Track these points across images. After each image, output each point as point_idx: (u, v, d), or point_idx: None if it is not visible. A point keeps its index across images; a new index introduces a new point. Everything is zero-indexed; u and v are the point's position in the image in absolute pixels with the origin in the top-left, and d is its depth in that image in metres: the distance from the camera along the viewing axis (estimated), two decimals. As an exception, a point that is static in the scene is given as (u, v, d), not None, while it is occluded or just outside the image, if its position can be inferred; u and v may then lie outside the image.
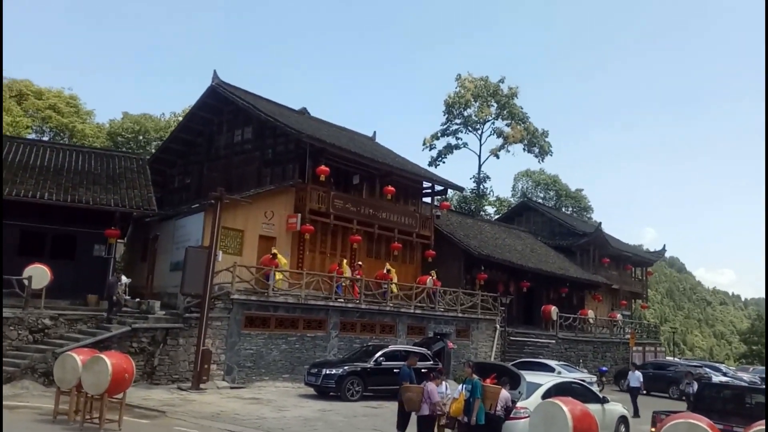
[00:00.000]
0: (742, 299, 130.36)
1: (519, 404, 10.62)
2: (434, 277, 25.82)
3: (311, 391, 17.85)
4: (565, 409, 7.78)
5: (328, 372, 17.09)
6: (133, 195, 21.17)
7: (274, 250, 20.99)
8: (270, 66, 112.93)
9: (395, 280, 24.14)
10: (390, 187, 25.43)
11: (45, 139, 39.21)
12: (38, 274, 17.26)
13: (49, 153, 22.34)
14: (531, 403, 10.62)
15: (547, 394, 10.98)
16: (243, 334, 18.73)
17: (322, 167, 22.64)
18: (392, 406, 16.10)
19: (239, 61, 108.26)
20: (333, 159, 23.90)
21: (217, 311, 18.31)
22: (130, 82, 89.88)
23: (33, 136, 39.79)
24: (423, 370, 17.40)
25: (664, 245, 51.04)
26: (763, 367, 39.62)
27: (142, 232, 24.74)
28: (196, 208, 21.04)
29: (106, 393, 10.70)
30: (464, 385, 10.27)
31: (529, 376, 11.40)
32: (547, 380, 11.62)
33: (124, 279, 22.52)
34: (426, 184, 29.39)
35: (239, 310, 18.72)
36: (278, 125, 23.46)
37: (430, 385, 10.48)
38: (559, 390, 11.29)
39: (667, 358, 40.96)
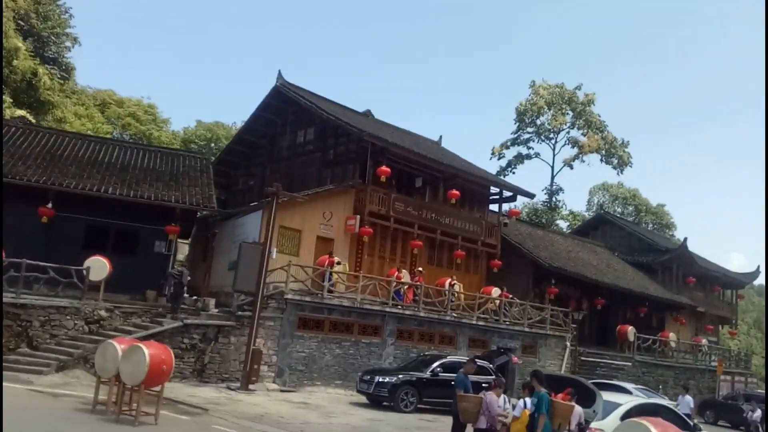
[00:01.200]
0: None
1: (593, 425, 9.23)
2: (504, 291, 24.44)
3: (363, 399, 16.94)
4: (653, 430, 6.43)
5: (381, 380, 16.12)
6: (194, 192, 21.08)
7: (336, 259, 20.20)
8: (336, 71, 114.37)
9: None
10: (455, 191, 24.28)
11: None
12: (97, 266, 17.31)
13: (117, 150, 22.74)
14: (608, 425, 9.21)
15: (627, 417, 9.53)
16: (296, 335, 18.08)
17: (383, 168, 21.85)
18: (448, 421, 14.80)
19: (304, 66, 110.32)
20: (395, 160, 23.09)
21: (270, 311, 17.76)
22: (204, 90, 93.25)
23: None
24: (484, 385, 16.13)
25: (759, 266, 46.36)
26: None
27: (206, 232, 24.75)
28: (254, 206, 20.75)
29: (143, 384, 10.18)
30: (528, 400, 9.01)
31: (607, 395, 9.95)
32: (627, 400, 10.13)
33: (185, 277, 22.57)
34: (494, 190, 28.05)
35: (293, 310, 18.10)
36: (340, 124, 22.94)
37: (490, 395, 9.26)
38: (641, 412, 9.77)
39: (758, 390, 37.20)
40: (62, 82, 37.07)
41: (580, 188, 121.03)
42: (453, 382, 10.76)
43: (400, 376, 16.31)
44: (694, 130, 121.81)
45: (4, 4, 27.80)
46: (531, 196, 29.10)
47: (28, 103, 32.14)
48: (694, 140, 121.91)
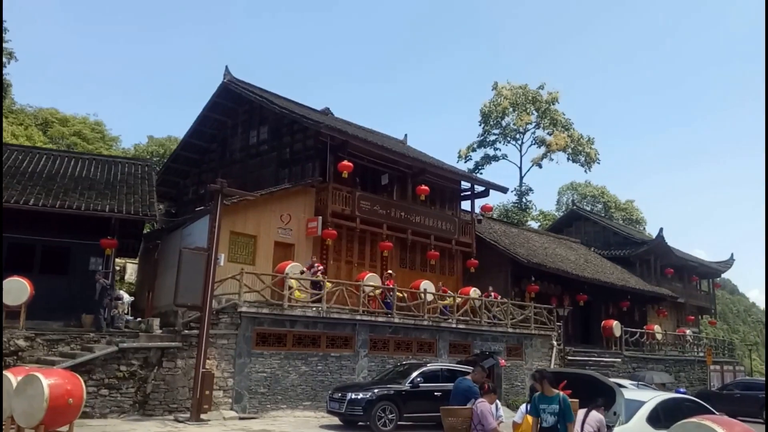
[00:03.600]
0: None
1: (616, 431, 7.32)
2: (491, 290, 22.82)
3: (336, 420, 14.78)
4: (723, 433, 4.54)
5: (354, 397, 13.98)
6: (132, 201, 18.71)
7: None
8: (289, 74, 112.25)
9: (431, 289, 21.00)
10: (424, 187, 22.46)
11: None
12: (14, 289, 14.79)
13: (44, 160, 20.20)
14: (633, 429, 7.35)
15: (654, 415, 7.69)
16: (254, 353, 15.79)
17: (345, 162, 19.88)
18: (434, 438, 12.91)
19: (258, 68, 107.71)
20: (357, 155, 21.16)
21: (223, 327, 15.48)
22: (153, 105, 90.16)
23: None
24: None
25: (732, 254, 46.09)
26: None
27: (154, 248, 22.31)
28: (201, 211, 18.52)
29: (43, 425, 7.89)
30: (532, 405, 7.06)
31: (627, 392, 8.07)
32: (650, 396, 8.26)
33: (126, 297, 20.16)
34: (465, 186, 26.32)
35: (249, 325, 15.84)
36: (295, 118, 20.94)
37: (482, 405, 7.27)
38: (668, 409, 7.99)
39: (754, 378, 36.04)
40: (-4, 100, 34.24)
41: (548, 188, 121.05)
42: (455, 392, 8.52)
43: (376, 390, 14.20)
44: (655, 127, 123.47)
45: None
46: (504, 190, 27.44)
47: (-45, 124, 29.26)
48: (656, 135, 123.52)
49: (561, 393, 6.73)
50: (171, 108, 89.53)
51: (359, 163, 21.31)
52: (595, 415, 7.17)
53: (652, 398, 8.06)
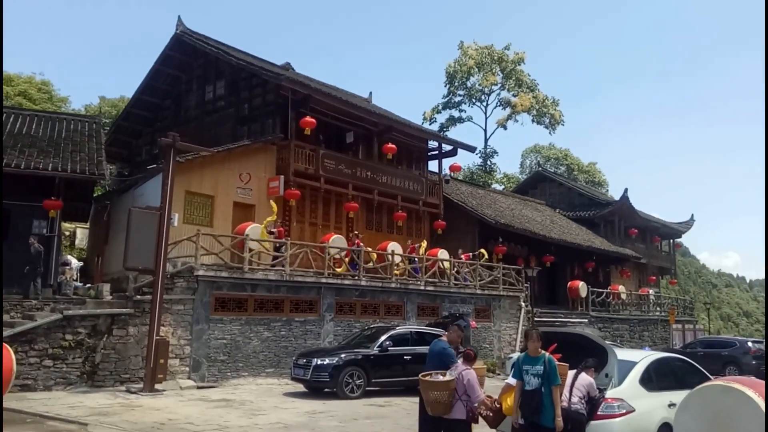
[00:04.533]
0: (747, 281, 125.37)
1: (610, 394, 6.76)
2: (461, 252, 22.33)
3: (301, 387, 14.09)
4: (756, 398, 3.92)
5: (319, 362, 13.27)
6: (78, 159, 17.31)
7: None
8: (247, 33, 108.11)
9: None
10: (391, 145, 21.55)
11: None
12: (-56, 253, 13.49)
13: (-22, 115, 18.49)
14: (626, 392, 6.79)
15: (646, 376, 7.17)
16: (213, 319, 14.89)
17: (308, 119, 18.79)
18: (404, 403, 12.30)
19: (214, 26, 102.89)
20: (321, 111, 20.06)
21: (178, 292, 14.48)
22: (106, 65, 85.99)
23: None
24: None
25: (692, 214, 46.97)
26: None
27: (104, 210, 20.93)
28: (153, 169, 17.22)
29: (-37, 402, 6.92)
30: (516, 366, 6.40)
31: (619, 352, 7.48)
32: (641, 356, 7.72)
33: (74, 262, 18.92)
34: (432, 145, 25.51)
35: (207, 290, 14.87)
36: (254, 71, 19.67)
37: (469, 374, 6.49)
38: (659, 369, 7.50)
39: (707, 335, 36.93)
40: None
41: (512, 151, 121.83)
42: (430, 355, 7.63)
43: (343, 355, 13.53)
44: (622, 86, 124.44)
45: None
46: (472, 149, 26.73)
47: None
48: (617, 100, 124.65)
49: (546, 354, 6.09)
50: (124, 68, 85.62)
51: (323, 120, 20.24)
52: (585, 378, 6.58)
53: (643, 358, 7.53)
